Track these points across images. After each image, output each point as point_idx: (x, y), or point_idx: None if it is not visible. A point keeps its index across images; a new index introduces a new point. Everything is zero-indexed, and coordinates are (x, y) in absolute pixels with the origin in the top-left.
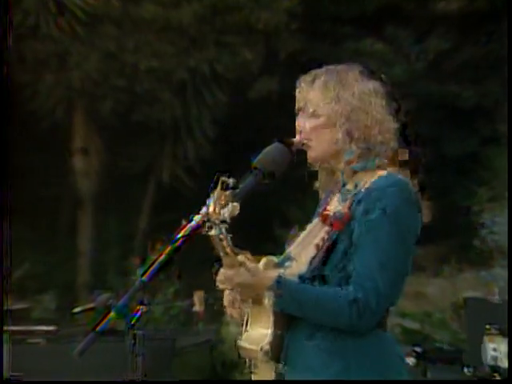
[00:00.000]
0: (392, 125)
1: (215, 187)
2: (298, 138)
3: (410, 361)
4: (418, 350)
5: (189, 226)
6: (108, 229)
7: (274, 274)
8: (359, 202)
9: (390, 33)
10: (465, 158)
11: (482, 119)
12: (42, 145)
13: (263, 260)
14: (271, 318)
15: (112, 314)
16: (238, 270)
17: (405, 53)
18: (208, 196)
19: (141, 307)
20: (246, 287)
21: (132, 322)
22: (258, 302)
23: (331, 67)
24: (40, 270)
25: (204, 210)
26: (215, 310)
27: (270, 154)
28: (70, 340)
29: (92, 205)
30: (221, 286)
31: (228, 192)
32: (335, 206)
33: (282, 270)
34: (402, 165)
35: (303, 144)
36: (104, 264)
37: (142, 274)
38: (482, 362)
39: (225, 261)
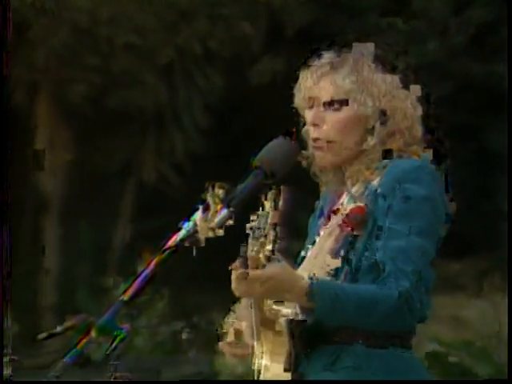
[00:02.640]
0: (416, 115)
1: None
2: (315, 134)
3: None
4: None
5: (179, 234)
6: (79, 238)
7: (302, 275)
8: (376, 194)
9: (423, 2)
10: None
11: None
12: None
13: None
14: (287, 346)
15: (93, 331)
16: (263, 270)
17: (441, 26)
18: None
19: (125, 326)
20: (272, 290)
21: (115, 344)
22: (272, 326)
23: (340, 57)
24: None
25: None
26: (209, 335)
27: (273, 150)
28: (31, 372)
29: (59, 209)
30: (242, 292)
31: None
32: (346, 206)
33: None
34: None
35: (316, 142)
36: (74, 281)
37: (123, 293)
38: None
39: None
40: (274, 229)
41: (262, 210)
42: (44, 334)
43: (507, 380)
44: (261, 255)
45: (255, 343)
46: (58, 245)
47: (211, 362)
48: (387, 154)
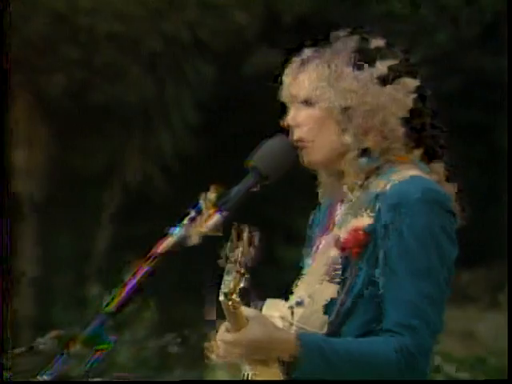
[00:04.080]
0: (396, 112)
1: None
2: (297, 134)
3: None
4: None
5: (168, 240)
6: (57, 246)
7: (290, 334)
8: (378, 214)
9: None
10: None
11: None
12: None
13: (266, 304)
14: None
15: (79, 342)
16: (245, 333)
17: (451, 15)
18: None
19: (112, 337)
20: (256, 353)
21: (97, 357)
22: (264, 363)
23: (318, 52)
24: None
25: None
26: (200, 350)
27: (270, 149)
28: None
29: (35, 214)
30: (221, 359)
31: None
32: (344, 221)
33: (294, 323)
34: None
35: (298, 143)
36: (51, 292)
37: (109, 303)
38: None
39: (230, 319)
40: (246, 266)
41: (232, 247)
42: (21, 349)
43: (507, 380)
44: (234, 295)
45: (246, 368)
46: (34, 253)
47: (202, 378)
48: (365, 152)
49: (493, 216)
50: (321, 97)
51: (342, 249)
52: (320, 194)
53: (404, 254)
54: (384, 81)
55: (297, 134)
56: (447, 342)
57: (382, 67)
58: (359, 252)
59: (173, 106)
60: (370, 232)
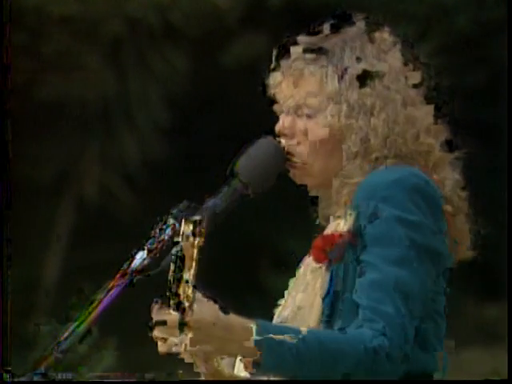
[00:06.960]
0: (419, 120)
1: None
2: (288, 148)
3: None
4: None
5: (134, 263)
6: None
7: (247, 321)
8: (356, 214)
9: None
10: None
11: None
12: None
13: None
14: None
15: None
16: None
17: None
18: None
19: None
20: (207, 339)
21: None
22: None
23: (326, 51)
24: None
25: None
26: None
27: (257, 154)
28: None
29: None
30: (163, 349)
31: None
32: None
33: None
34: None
35: (289, 159)
36: None
37: (59, 343)
38: None
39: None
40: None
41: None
42: None
43: (507, 380)
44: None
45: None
46: None
47: None
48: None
49: None
50: (329, 116)
51: (324, 253)
52: (319, 213)
53: (373, 241)
54: (405, 97)
55: (289, 148)
56: None
57: (398, 79)
58: (339, 256)
59: (138, 103)
60: (352, 233)
